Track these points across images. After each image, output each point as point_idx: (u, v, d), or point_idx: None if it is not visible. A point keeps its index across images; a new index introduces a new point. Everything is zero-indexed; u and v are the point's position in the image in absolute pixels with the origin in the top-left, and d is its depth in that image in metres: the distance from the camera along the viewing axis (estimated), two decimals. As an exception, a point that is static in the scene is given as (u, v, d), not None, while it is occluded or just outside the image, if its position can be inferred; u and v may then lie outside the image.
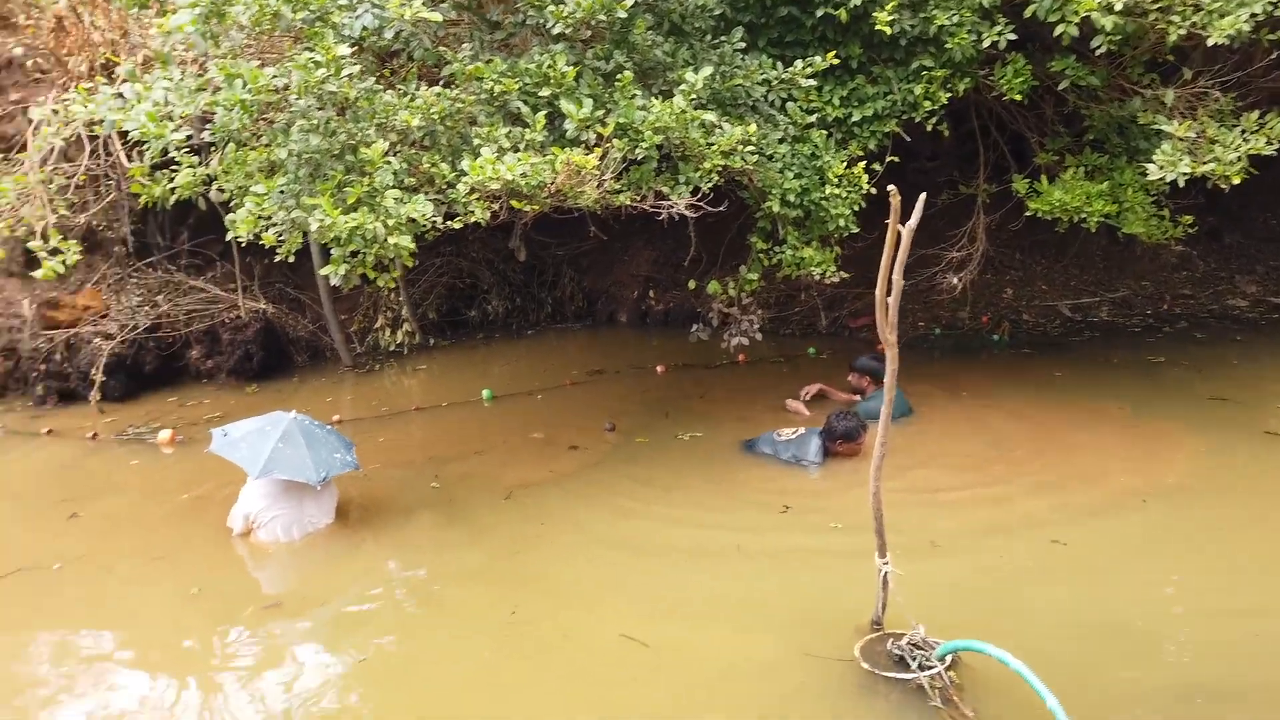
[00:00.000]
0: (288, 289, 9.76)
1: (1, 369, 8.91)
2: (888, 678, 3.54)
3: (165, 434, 7.49)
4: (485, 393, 8.11)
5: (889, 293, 3.36)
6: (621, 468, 6.23)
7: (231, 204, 5.35)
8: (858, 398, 7.04)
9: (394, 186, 4.99)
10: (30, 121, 7.16)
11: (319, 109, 4.87)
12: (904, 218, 3.24)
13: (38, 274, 5.53)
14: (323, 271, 5.09)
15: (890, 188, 3.22)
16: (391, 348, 9.63)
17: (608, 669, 3.88)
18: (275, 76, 4.74)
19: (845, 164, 6.21)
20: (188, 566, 5.13)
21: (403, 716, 3.67)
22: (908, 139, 6.60)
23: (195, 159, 5.55)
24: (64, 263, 5.55)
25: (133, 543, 5.49)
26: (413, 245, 4.98)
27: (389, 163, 4.98)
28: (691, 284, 7.94)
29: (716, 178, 5.70)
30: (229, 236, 5.14)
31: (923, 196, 3.23)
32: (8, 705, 3.95)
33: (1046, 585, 4.42)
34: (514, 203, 5.26)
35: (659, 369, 8.55)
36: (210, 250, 9.61)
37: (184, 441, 7.44)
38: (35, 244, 5.69)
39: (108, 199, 8.73)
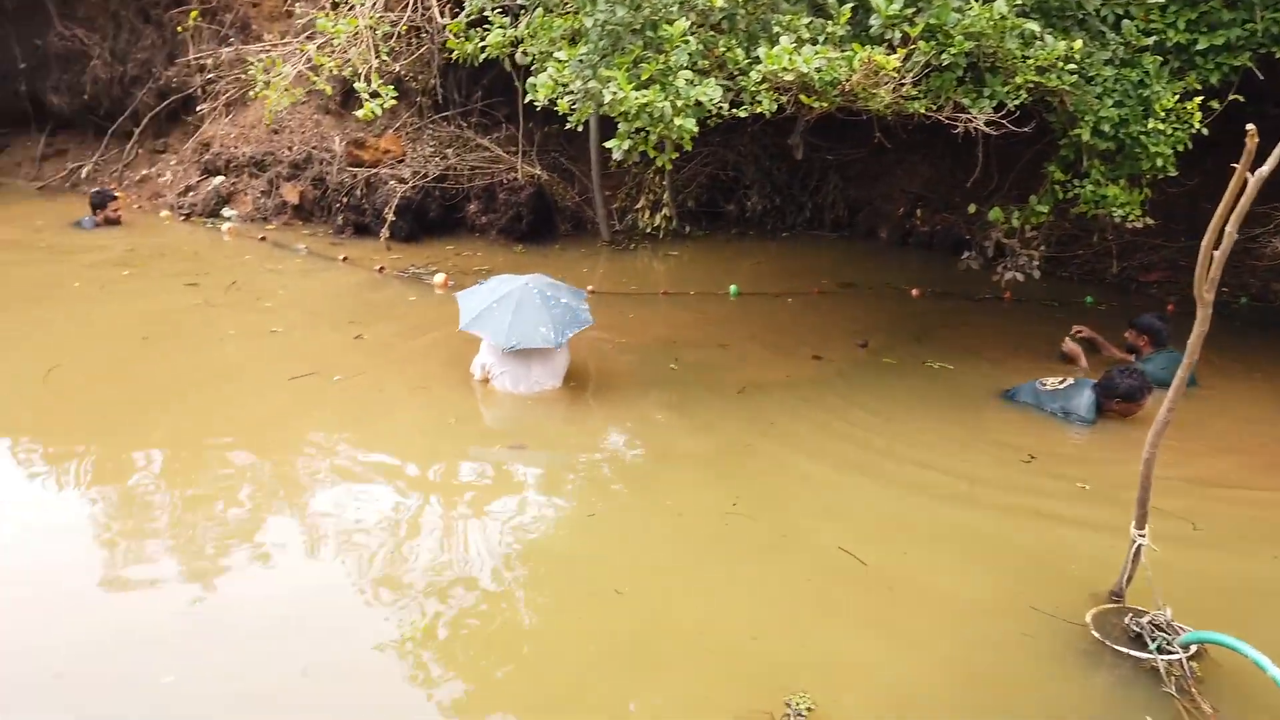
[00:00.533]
0: (561, 159, 10.17)
1: (311, 196, 10.00)
2: (1118, 651, 3.34)
3: (440, 277, 8.16)
4: (732, 288, 8.16)
5: (1217, 245, 3.00)
6: (863, 385, 6.11)
7: (533, 69, 5.57)
8: (1130, 356, 6.44)
9: (687, 68, 4.99)
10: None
11: (629, -20, 4.91)
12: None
13: (359, 114, 6.08)
14: (607, 145, 5.22)
15: (1249, 127, 2.83)
16: (648, 230, 9.85)
17: (821, 578, 3.91)
18: (593, -56, 4.81)
19: (1177, 97, 5.51)
20: (445, 399, 5.65)
21: (619, 577, 3.87)
22: (1260, 76, 5.75)
23: (506, 21, 5.80)
24: (381, 105, 6.05)
25: (402, 370, 6.09)
26: (695, 129, 4.99)
27: (686, 42, 4.96)
28: (972, 208, 7.46)
29: (1025, 95, 5.25)
30: (525, 100, 5.38)
31: (1283, 144, 2.82)
32: (264, 488, 4.58)
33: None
34: (803, 98, 5.12)
35: (914, 292, 8.21)
36: (498, 112, 10.15)
37: (454, 286, 8.06)
38: (360, 85, 6.23)
39: (419, 51, 9.36)
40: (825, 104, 5.22)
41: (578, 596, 3.75)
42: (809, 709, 3.08)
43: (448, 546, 4.06)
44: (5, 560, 3.88)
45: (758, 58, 4.95)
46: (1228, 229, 2.96)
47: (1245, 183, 2.89)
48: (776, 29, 5.09)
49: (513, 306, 5.66)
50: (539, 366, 5.76)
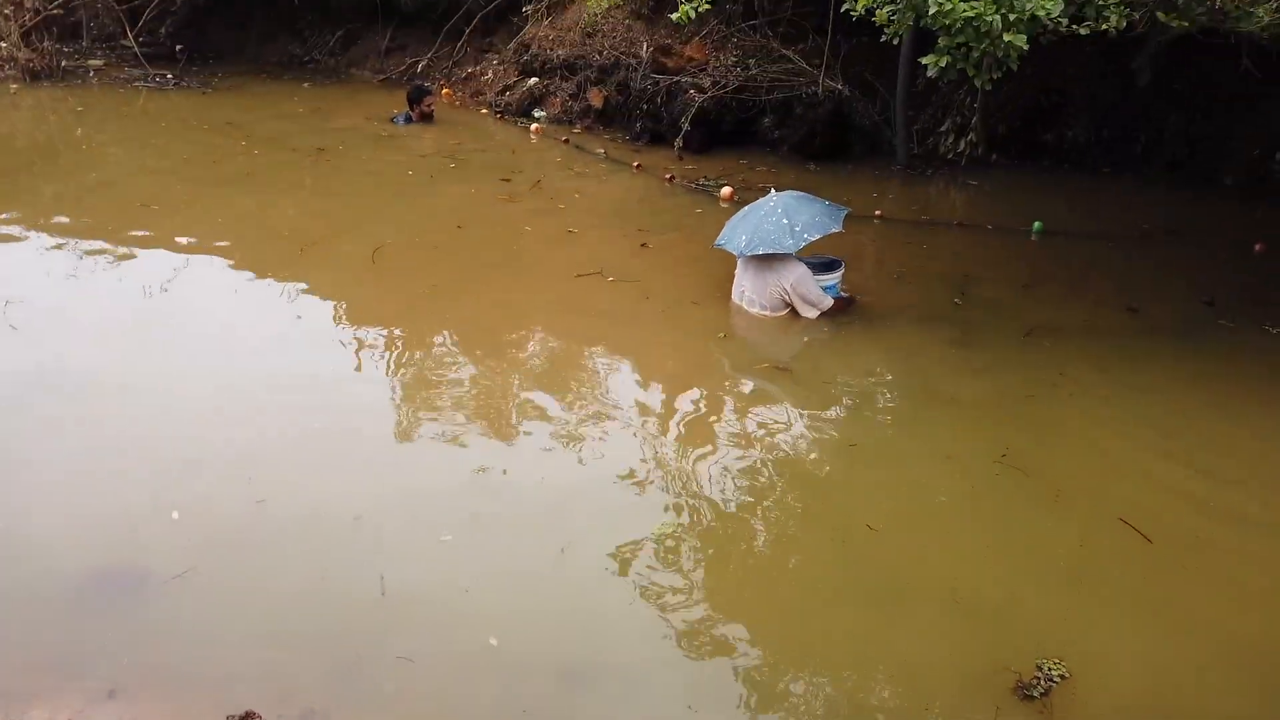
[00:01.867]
0: (866, 74, 9.74)
1: (614, 102, 10.34)
2: None
3: (725, 190, 8.23)
4: (1036, 224, 7.55)
5: None
6: (1183, 346, 5.49)
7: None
8: None
9: (1025, -21, 4.59)
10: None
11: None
12: None
13: (673, 16, 6.17)
14: (922, 60, 4.97)
15: None
16: (950, 155, 9.29)
17: (1095, 546, 3.65)
18: None
19: None
20: (715, 315, 5.73)
21: (875, 513, 3.83)
22: None
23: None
24: (696, 9, 6.10)
25: (680, 281, 6.25)
26: (1025, 45, 4.62)
27: (1029, -50, 4.56)
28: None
29: None
30: (843, 9, 5.21)
31: None
32: (540, 375, 4.91)
33: None
34: (1160, 15, 4.56)
35: (1257, 246, 7.19)
36: (807, 22, 9.86)
37: (738, 201, 8.10)
38: (678, -12, 6.31)
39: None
40: (1186, 23, 4.62)
41: (830, 527, 3.75)
42: (1062, 676, 2.94)
43: (699, 462, 4.15)
44: (320, 414, 4.43)
45: (1112, -32, 4.46)
46: None
47: None
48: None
49: (746, 214, 5.68)
50: (758, 282, 5.62)
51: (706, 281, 6.20)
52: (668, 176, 8.76)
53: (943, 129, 9.37)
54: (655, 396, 4.74)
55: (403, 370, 4.91)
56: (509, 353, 5.19)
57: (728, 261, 6.48)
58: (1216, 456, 4.35)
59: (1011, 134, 9.43)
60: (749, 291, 5.70)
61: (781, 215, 5.43)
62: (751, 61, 9.72)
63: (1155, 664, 3.09)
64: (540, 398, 4.65)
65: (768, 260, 5.53)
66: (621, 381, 4.89)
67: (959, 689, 2.96)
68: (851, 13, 5.15)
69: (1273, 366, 5.26)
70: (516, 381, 4.84)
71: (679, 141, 9.34)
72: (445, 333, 5.38)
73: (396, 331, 5.35)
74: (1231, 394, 4.93)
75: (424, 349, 5.17)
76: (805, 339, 5.57)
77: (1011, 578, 3.47)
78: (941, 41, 4.78)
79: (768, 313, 5.64)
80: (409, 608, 3.19)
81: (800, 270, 5.53)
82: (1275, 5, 4.42)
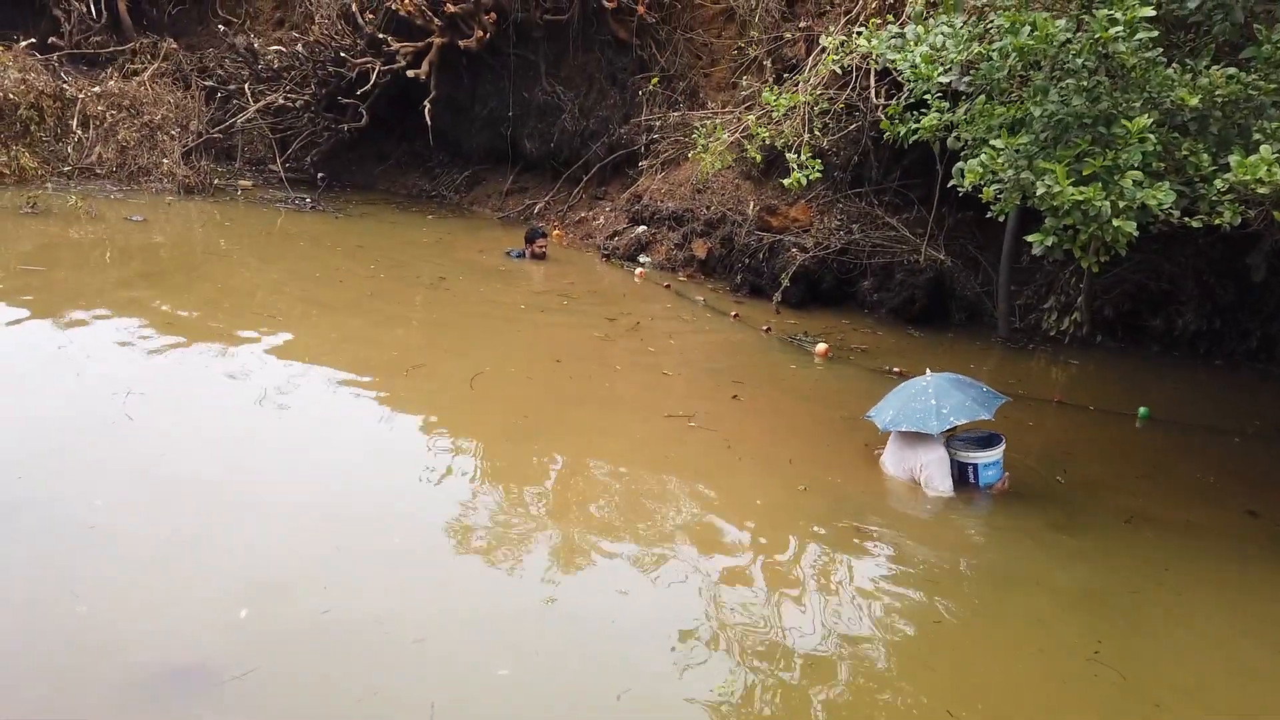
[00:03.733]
0: (969, 246, 9.83)
1: (717, 254, 10.66)
2: None
3: (821, 347, 8.26)
4: (1142, 410, 7.30)
5: None
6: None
7: (962, 154, 5.49)
8: None
9: (1138, 168, 4.62)
10: (811, 48, 8.15)
11: (1091, 71, 4.68)
12: None
13: (786, 181, 6.42)
14: (1029, 238, 5.00)
15: None
16: (1053, 332, 9.15)
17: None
18: (1063, 29, 4.66)
19: None
20: (801, 470, 5.62)
21: (954, 699, 3.64)
22: None
23: (945, 104, 5.79)
24: (807, 176, 6.33)
25: (765, 433, 6.25)
26: (1134, 232, 4.61)
27: (1145, 140, 4.60)
28: None
29: None
30: (949, 184, 5.32)
31: None
32: (618, 510, 4.88)
33: None
34: (1277, 214, 4.50)
35: (1388, 453, 6.77)
36: (912, 192, 10.09)
37: (834, 359, 8.11)
38: (791, 156, 6.58)
39: (848, 128, 9.63)
40: (1305, 223, 4.55)
41: (908, 711, 3.53)
42: None
43: (770, 626, 4.01)
44: (399, 532, 4.50)
45: (1227, 164, 4.45)
46: None
47: None
48: (1257, 136, 4.54)
49: (899, 390, 5.71)
50: (920, 456, 5.54)
51: (794, 436, 6.17)
52: (765, 329, 8.88)
53: (1046, 305, 9.27)
54: (730, 548, 4.65)
55: (485, 495, 4.97)
56: (591, 488, 5.21)
57: (819, 421, 6.45)
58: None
59: (1118, 316, 9.27)
60: (889, 465, 5.69)
61: (931, 396, 5.44)
62: (855, 226, 9.93)
63: None
64: (617, 537, 4.62)
65: (911, 437, 5.53)
66: (698, 529, 4.83)
67: None
68: (959, 188, 5.24)
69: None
70: (595, 518, 4.83)
71: (778, 296, 9.50)
72: (531, 461, 5.45)
73: (483, 457, 5.45)
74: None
75: (508, 477, 5.23)
76: (890, 500, 5.43)
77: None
78: (1049, 222, 4.80)
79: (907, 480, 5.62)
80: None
81: (937, 453, 5.46)
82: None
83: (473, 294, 9.37)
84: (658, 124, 11.71)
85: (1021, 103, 5.13)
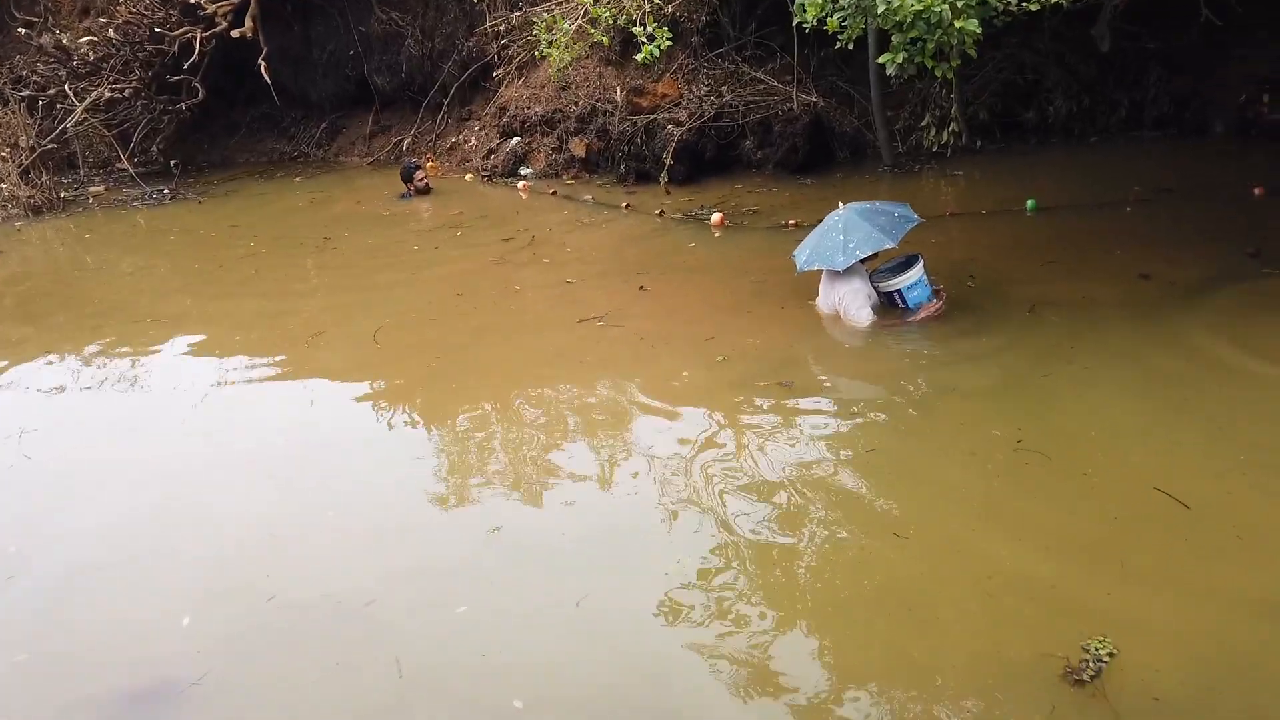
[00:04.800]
0: (839, 83, 9.79)
1: (596, 148, 10.46)
2: None
3: (716, 217, 8.24)
4: (1030, 203, 7.49)
5: None
6: (1196, 307, 5.38)
7: (801, -11, 5.40)
8: None
9: (967, -37, 4.59)
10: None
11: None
12: None
13: (638, 57, 6.25)
14: (880, 59, 4.97)
15: None
16: (934, 149, 9.26)
17: (1130, 521, 3.52)
18: None
19: None
20: (715, 345, 5.63)
21: (899, 519, 3.76)
22: None
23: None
24: (658, 48, 6.17)
25: (677, 315, 6.24)
26: (979, 31, 4.61)
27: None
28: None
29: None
30: (794, 22, 5.23)
31: None
32: (547, 427, 4.89)
33: None
34: (1107, -22, 4.53)
35: (1256, 190, 7.07)
36: (773, 41, 9.95)
37: (731, 226, 8.11)
38: (638, 30, 6.40)
39: (691, -9, 9.39)
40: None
41: (856, 539, 3.66)
42: (1110, 655, 2.83)
43: (714, 494, 4.07)
44: (327, 502, 4.39)
45: (1050, -60, 4.45)
46: None
47: None
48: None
49: (816, 229, 5.78)
50: (828, 292, 5.72)
51: (706, 311, 6.19)
52: (658, 212, 8.81)
53: (923, 124, 9.35)
54: (662, 433, 4.68)
55: (412, 445, 4.91)
56: (513, 411, 5.18)
57: (727, 291, 6.48)
58: (1246, 418, 4.22)
59: (993, 118, 9.40)
60: (821, 304, 5.83)
61: (840, 230, 5.51)
62: (724, 88, 9.80)
63: (1205, 630, 2.98)
64: (549, 452, 4.63)
65: (832, 272, 5.64)
66: (628, 423, 4.86)
67: (1008, 685, 2.85)
68: (804, 25, 5.16)
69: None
70: (522, 438, 4.82)
71: (664, 176, 9.41)
72: (446, 401, 5.39)
73: (398, 408, 5.37)
74: (1253, 348, 4.81)
75: (432, 421, 5.18)
76: (806, 349, 5.53)
77: (1045, 563, 3.37)
78: (896, 39, 4.78)
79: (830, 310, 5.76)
80: (428, 684, 3.14)
81: (853, 284, 5.58)
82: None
83: (360, 247, 9.09)
84: (503, 28, 11.27)
85: (847, -76, 5.01)
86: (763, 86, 9.71)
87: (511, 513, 4.14)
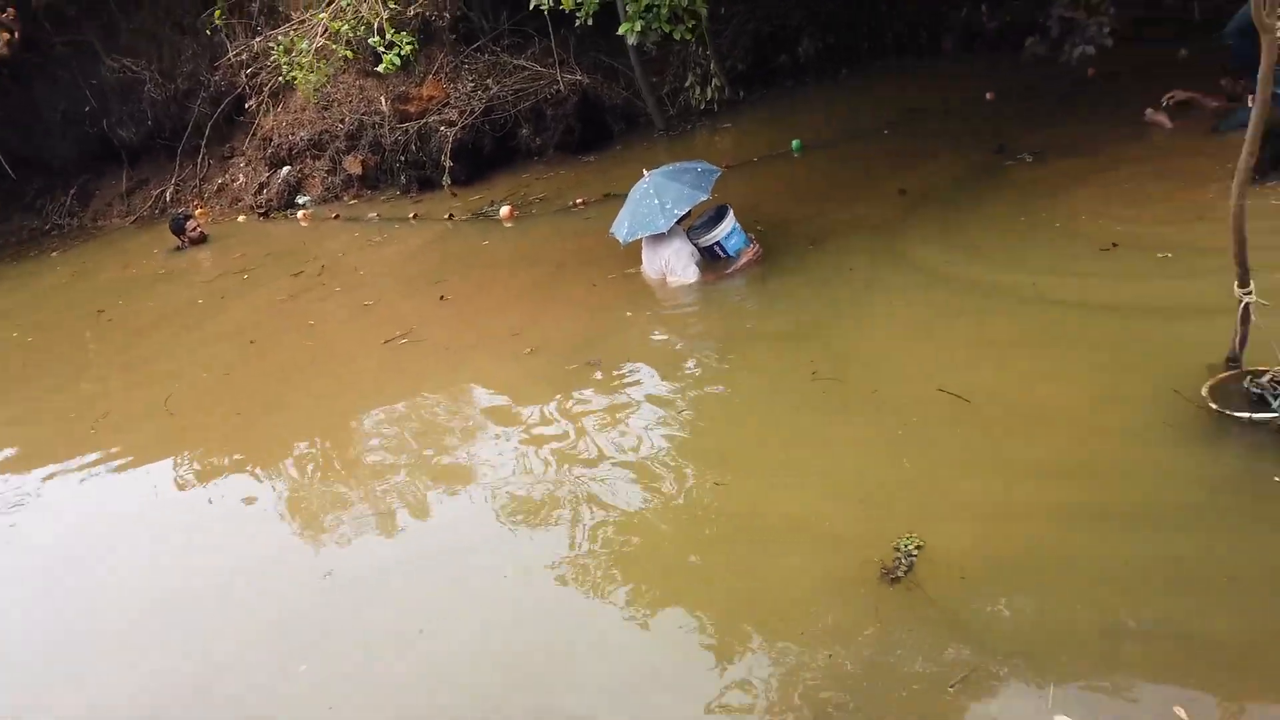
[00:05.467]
0: (602, 57, 9.91)
1: (373, 163, 10.17)
2: (1242, 418, 3.14)
3: (505, 210, 8.21)
4: (794, 144, 7.86)
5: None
6: (944, 206, 5.84)
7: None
8: (1235, 105, 5.87)
9: (678, -73, 4.75)
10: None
11: None
12: None
13: (380, 68, 6.11)
14: (620, 31, 5.07)
15: None
16: (702, 106, 9.54)
17: (922, 423, 3.78)
18: None
19: None
20: (530, 333, 5.66)
21: (716, 467, 3.90)
22: None
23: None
24: (398, 54, 6.04)
25: (481, 318, 6.20)
26: (703, -11, 4.78)
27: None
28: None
29: None
30: (530, 6, 5.25)
31: None
32: (363, 458, 4.80)
33: None
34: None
35: (989, 95, 7.70)
36: (528, 27, 9.94)
37: (521, 217, 8.10)
38: (374, 40, 6.24)
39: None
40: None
41: (684, 496, 3.76)
42: (918, 547, 3.05)
43: (542, 481, 4.09)
44: (134, 590, 4.14)
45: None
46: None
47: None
48: None
49: (628, 200, 5.83)
50: (653, 260, 5.81)
51: (508, 307, 6.17)
52: (446, 217, 8.68)
53: (688, 85, 9.61)
54: (481, 440, 4.62)
55: (219, 509, 4.64)
56: (326, 448, 5.00)
57: (528, 281, 6.46)
58: (1000, 294, 4.61)
59: (750, 69, 9.78)
60: (649, 271, 5.88)
61: (654, 195, 5.60)
62: (490, 81, 9.73)
63: (1001, 509, 3.23)
64: (371, 481, 4.50)
65: (654, 239, 5.71)
66: (447, 437, 4.78)
67: (836, 596, 3.02)
68: (540, 7, 5.18)
69: (1005, 201, 5.65)
70: (341, 473, 4.67)
71: (446, 179, 9.27)
72: (254, 454, 5.11)
73: (202, 473, 5.04)
74: (993, 233, 5.26)
75: (236, 479, 4.89)
76: (611, 323, 5.60)
77: (853, 480, 3.58)
78: (630, 9, 4.89)
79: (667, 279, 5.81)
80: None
81: (674, 245, 5.67)
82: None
83: (139, 312, 8.48)
84: (246, 57, 10.72)
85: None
86: (527, 73, 9.70)
87: (342, 554, 4.00)
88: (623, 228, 5.73)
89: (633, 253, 6.08)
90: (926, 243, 5.46)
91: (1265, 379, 3.15)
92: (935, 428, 3.76)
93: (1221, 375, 3.34)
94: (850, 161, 7.29)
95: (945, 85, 8.51)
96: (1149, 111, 6.18)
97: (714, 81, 9.47)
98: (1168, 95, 6.15)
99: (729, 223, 5.73)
